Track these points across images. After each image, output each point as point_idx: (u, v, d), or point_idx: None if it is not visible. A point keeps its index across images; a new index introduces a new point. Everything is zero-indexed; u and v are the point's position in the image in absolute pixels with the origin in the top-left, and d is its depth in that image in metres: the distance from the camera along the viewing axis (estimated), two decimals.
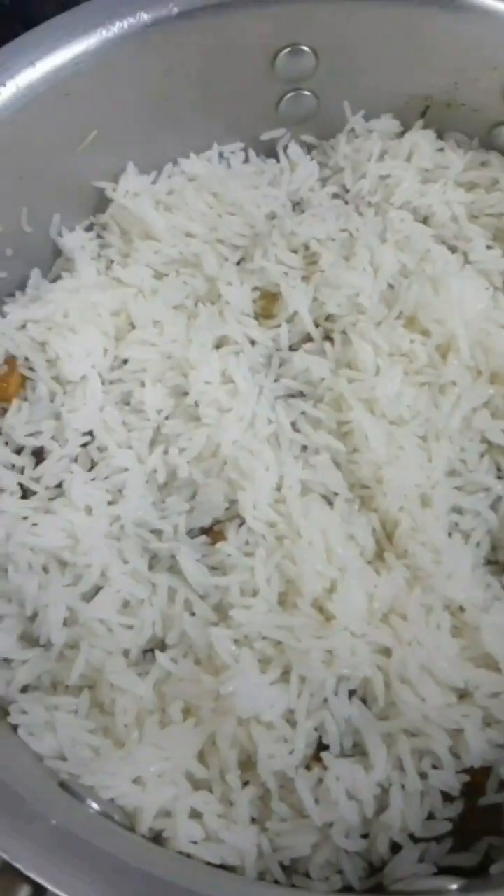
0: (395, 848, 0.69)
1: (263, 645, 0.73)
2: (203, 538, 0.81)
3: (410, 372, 0.85)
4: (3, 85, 0.83)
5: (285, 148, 1.01)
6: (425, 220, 0.96)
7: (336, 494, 0.81)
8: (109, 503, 0.81)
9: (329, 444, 0.83)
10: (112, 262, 0.95)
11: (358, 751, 0.72)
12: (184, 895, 0.58)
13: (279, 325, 0.90)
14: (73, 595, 0.76)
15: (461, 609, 0.76)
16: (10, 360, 0.87)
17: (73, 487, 0.80)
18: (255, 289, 0.92)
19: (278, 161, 1.01)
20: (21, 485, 0.83)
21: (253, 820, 0.70)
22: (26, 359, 0.87)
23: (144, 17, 0.85)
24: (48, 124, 0.87)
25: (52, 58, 0.84)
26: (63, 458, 0.83)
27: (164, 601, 0.77)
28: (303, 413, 0.85)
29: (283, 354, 0.89)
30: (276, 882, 0.68)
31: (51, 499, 0.81)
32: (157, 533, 0.81)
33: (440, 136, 0.99)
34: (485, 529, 0.81)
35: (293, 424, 0.85)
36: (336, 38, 0.91)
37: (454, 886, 0.65)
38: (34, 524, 0.78)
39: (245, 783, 0.70)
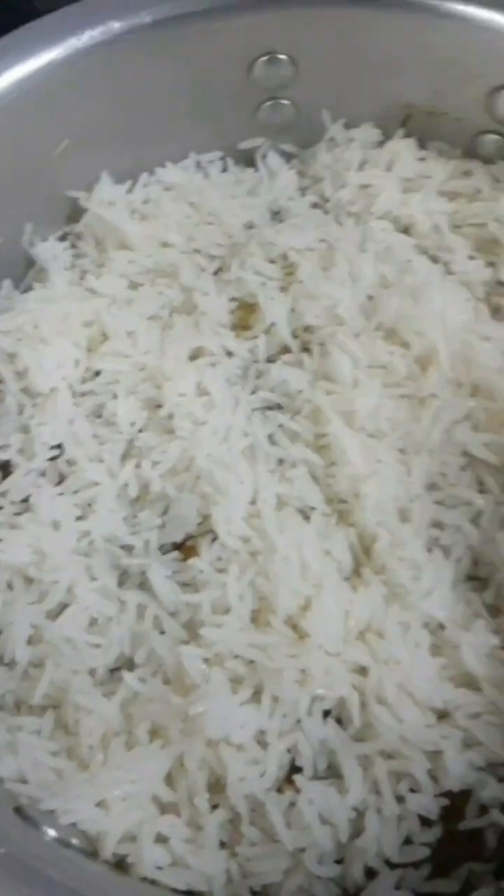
0: (371, 874, 0.69)
1: (235, 664, 0.73)
2: (175, 554, 0.81)
3: (390, 384, 0.86)
4: None
5: (264, 157, 1.03)
6: (406, 231, 0.97)
7: (313, 509, 0.82)
8: (78, 518, 0.81)
9: (306, 457, 0.83)
10: (86, 272, 0.96)
11: (332, 773, 0.72)
12: None
13: (256, 337, 0.91)
14: (39, 612, 0.76)
15: (441, 626, 0.76)
16: None
17: (39, 502, 0.81)
18: (233, 299, 0.93)
19: (257, 170, 1.03)
20: None
21: (222, 844, 0.70)
22: None
23: (115, 25, 0.87)
24: (18, 134, 0.88)
25: (20, 67, 0.85)
26: (30, 472, 0.83)
27: (132, 619, 0.77)
28: (280, 426, 0.86)
29: (261, 366, 0.90)
30: None
31: (17, 514, 0.81)
32: (128, 548, 0.81)
33: (423, 145, 1.00)
34: (465, 545, 0.81)
35: (270, 437, 0.86)
36: (314, 45, 0.93)
37: None
38: None
39: (214, 806, 0.70)
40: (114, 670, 0.76)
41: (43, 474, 0.84)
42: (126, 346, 0.89)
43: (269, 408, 0.88)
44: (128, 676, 0.74)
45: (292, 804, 0.69)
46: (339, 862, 0.69)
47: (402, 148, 0.98)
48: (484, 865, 0.69)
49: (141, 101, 0.94)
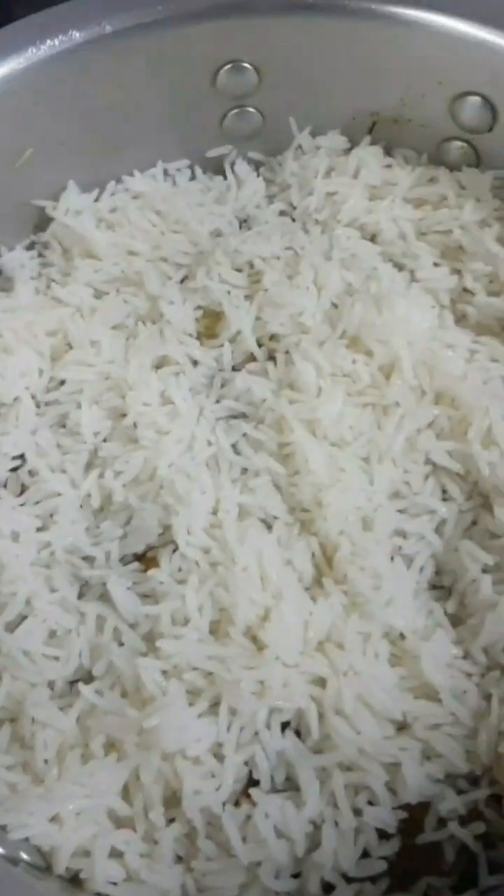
0: (328, 889, 0.67)
1: (193, 676, 0.72)
2: (136, 565, 0.80)
3: (353, 392, 0.84)
4: None
5: (233, 165, 1.01)
6: (373, 238, 0.95)
7: (276, 518, 0.80)
8: (39, 529, 0.80)
9: (269, 466, 0.82)
10: (53, 280, 0.94)
11: (290, 786, 0.70)
12: None
13: (222, 345, 0.89)
14: None
15: (401, 636, 0.75)
16: None
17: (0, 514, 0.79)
18: (198, 308, 0.92)
19: (225, 178, 1.01)
20: None
21: (179, 859, 0.68)
22: None
23: (76, 35, 0.85)
24: None
25: None
26: None
27: (92, 631, 0.76)
28: (244, 435, 0.84)
29: (226, 375, 0.89)
30: None
31: None
32: (89, 560, 0.80)
33: (389, 152, 0.99)
34: (429, 553, 0.80)
35: (234, 446, 0.84)
36: (277, 53, 0.92)
37: None
38: None
39: (171, 820, 0.69)
40: (73, 682, 0.75)
41: (4, 485, 0.83)
42: (90, 355, 0.88)
43: (234, 417, 0.87)
44: (85, 689, 0.72)
45: (249, 818, 0.68)
46: (295, 876, 0.68)
47: (369, 155, 0.97)
48: (442, 879, 0.68)
49: (106, 110, 0.93)
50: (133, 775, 0.69)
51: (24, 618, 0.76)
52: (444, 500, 0.82)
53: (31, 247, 0.97)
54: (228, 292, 0.91)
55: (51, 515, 0.81)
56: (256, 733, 0.70)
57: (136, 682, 0.72)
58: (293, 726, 0.72)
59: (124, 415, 0.85)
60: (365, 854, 0.68)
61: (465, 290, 0.91)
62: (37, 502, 0.82)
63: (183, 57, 0.90)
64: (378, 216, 0.95)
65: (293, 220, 0.98)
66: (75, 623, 0.76)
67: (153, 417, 0.84)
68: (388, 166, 0.98)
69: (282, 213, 0.99)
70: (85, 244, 0.94)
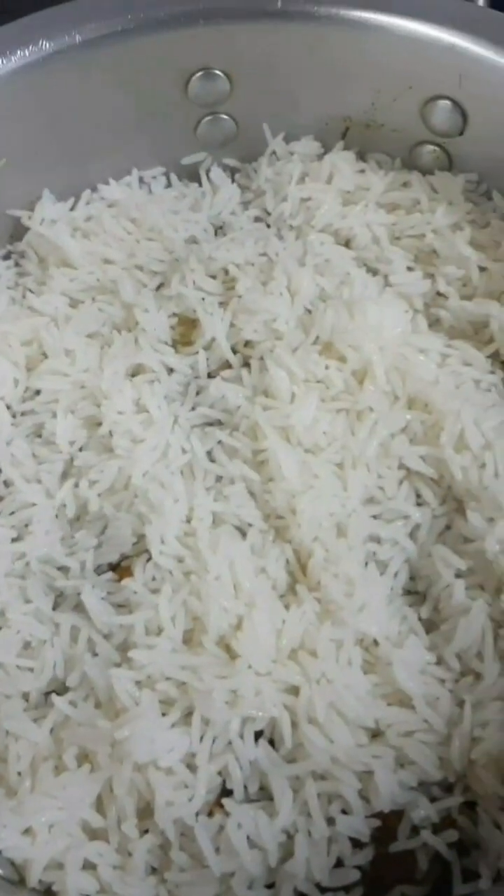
0: None
1: (167, 686, 0.70)
2: (110, 575, 0.78)
3: (326, 398, 0.83)
4: None
5: (208, 172, 0.99)
6: (347, 243, 0.94)
7: (250, 525, 0.79)
8: (14, 540, 0.79)
9: (244, 473, 0.81)
10: (29, 290, 0.93)
11: (263, 795, 0.69)
12: None
13: (197, 353, 0.88)
14: None
15: (374, 643, 0.73)
16: None
17: None
18: (173, 315, 0.90)
19: (201, 185, 0.99)
20: None
21: (152, 871, 0.67)
22: None
23: (47, 45, 0.84)
24: None
25: None
26: None
27: (66, 641, 0.74)
28: (219, 442, 0.83)
29: (201, 382, 0.87)
30: None
31: None
32: (64, 570, 0.78)
33: (362, 157, 0.97)
34: (403, 558, 0.78)
35: (209, 454, 0.83)
36: (248, 60, 0.90)
37: None
38: None
39: (144, 832, 0.67)
40: (47, 694, 0.73)
41: None
42: (65, 364, 0.86)
43: (209, 424, 0.85)
44: (58, 700, 0.71)
45: (222, 828, 0.66)
46: (269, 886, 0.67)
47: (341, 160, 0.95)
48: (416, 888, 0.67)
49: (79, 119, 0.91)
50: (106, 787, 0.68)
51: None
52: (418, 504, 0.80)
53: (7, 257, 0.96)
54: (203, 299, 0.89)
55: (26, 526, 0.79)
56: (229, 743, 0.69)
57: (109, 693, 0.71)
58: (266, 735, 0.70)
59: (100, 424, 0.83)
60: (338, 863, 0.67)
61: (439, 293, 0.90)
62: (11, 513, 0.80)
63: (154, 65, 0.89)
64: (351, 221, 0.93)
65: (268, 225, 0.97)
66: (50, 634, 0.75)
67: (128, 426, 0.82)
68: (362, 171, 0.96)
69: (257, 219, 0.98)
70: (60, 253, 0.92)
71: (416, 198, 0.93)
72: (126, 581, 0.76)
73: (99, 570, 0.79)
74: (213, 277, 0.91)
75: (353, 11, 0.86)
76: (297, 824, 0.67)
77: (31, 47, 0.84)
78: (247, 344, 0.88)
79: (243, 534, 0.79)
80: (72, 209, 0.96)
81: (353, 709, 0.69)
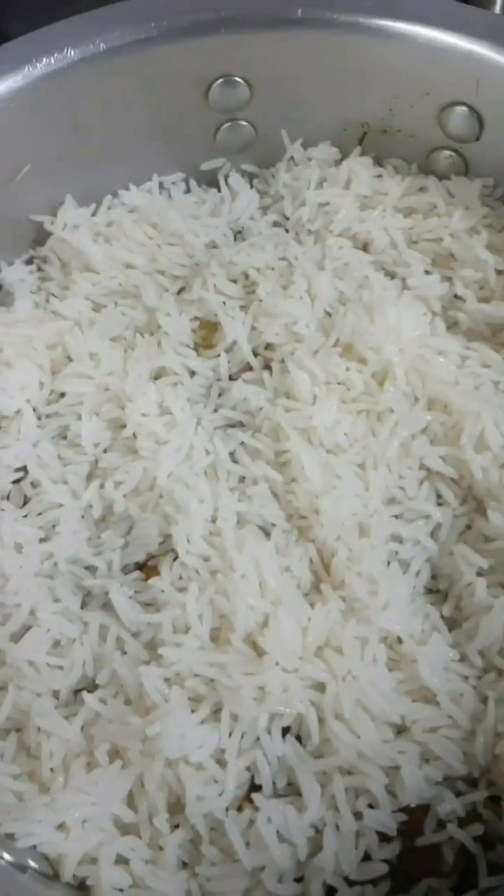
0: (330, 892, 0.66)
1: (195, 683, 0.71)
2: (137, 574, 0.79)
3: (347, 400, 0.83)
4: None
5: (226, 177, 1.00)
6: (365, 247, 0.94)
7: (273, 525, 0.79)
8: (42, 540, 0.79)
9: (267, 474, 0.81)
10: (52, 294, 0.93)
11: (292, 790, 0.69)
12: None
13: (219, 355, 0.88)
14: (1, 636, 0.74)
15: (398, 640, 0.74)
16: None
17: (3, 525, 0.78)
18: (195, 319, 0.90)
19: (220, 191, 1.00)
20: None
21: (183, 865, 0.67)
22: None
23: (72, 53, 0.84)
24: None
25: None
26: None
27: (95, 640, 0.75)
28: (242, 443, 0.83)
29: (223, 384, 0.88)
30: None
31: None
32: (92, 569, 0.79)
33: (379, 162, 0.98)
34: (424, 558, 0.79)
35: (232, 455, 0.83)
36: (268, 67, 0.90)
37: None
38: None
39: (175, 826, 0.68)
40: (77, 692, 0.74)
41: (7, 497, 0.82)
42: (89, 367, 0.86)
43: (231, 426, 0.86)
44: (88, 698, 0.71)
45: (251, 823, 0.67)
46: (298, 880, 0.67)
47: (359, 166, 0.95)
48: (442, 881, 0.67)
49: (101, 126, 0.92)
50: (137, 782, 0.68)
51: (28, 628, 0.75)
52: (439, 504, 0.80)
53: (30, 261, 0.96)
54: (224, 303, 0.89)
55: (53, 526, 0.80)
56: (258, 739, 0.70)
57: (138, 690, 0.71)
58: (293, 731, 0.71)
59: (124, 426, 0.83)
60: (366, 857, 0.67)
61: (456, 296, 0.90)
62: (39, 514, 0.80)
63: (176, 72, 0.89)
64: (369, 225, 0.93)
65: (286, 230, 0.97)
66: (78, 632, 0.75)
67: (152, 428, 0.82)
68: (379, 176, 0.96)
69: (275, 224, 0.98)
70: (83, 258, 0.93)
71: (432, 202, 0.93)
72: (153, 580, 0.77)
73: (126, 570, 0.79)
74: (234, 281, 0.91)
75: (372, 19, 0.86)
76: (325, 819, 0.67)
77: (56, 55, 0.84)
78: (268, 347, 0.88)
79: (267, 534, 0.79)
80: (93, 214, 0.97)
81: (379, 705, 0.70)
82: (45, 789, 0.68)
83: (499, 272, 0.89)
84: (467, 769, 0.69)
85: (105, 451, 0.84)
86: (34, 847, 0.65)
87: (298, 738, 0.71)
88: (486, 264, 0.89)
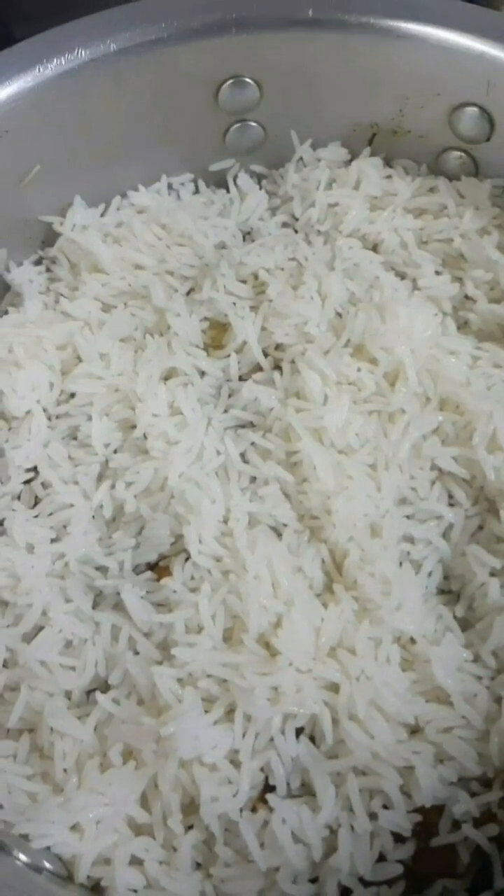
0: (345, 893, 0.66)
1: (208, 683, 0.71)
2: (149, 574, 0.78)
3: (359, 400, 0.83)
4: None
5: (235, 178, 1.00)
6: (375, 248, 0.94)
7: (285, 526, 0.79)
8: (53, 540, 0.79)
9: (278, 474, 0.81)
10: (61, 295, 0.93)
11: (306, 791, 0.69)
12: None
13: (229, 356, 0.88)
14: (14, 636, 0.74)
15: (412, 641, 0.74)
16: None
17: (14, 525, 0.78)
18: (205, 319, 0.90)
19: (228, 191, 1.00)
20: None
21: (198, 866, 0.67)
22: None
23: (82, 53, 0.84)
24: None
25: None
26: (5, 496, 0.81)
27: (107, 640, 0.75)
28: (252, 444, 0.83)
29: (233, 385, 0.87)
30: None
31: None
32: (103, 570, 0.79)
33: (388, 163, 0.98)
34: (436, 558, 0.79)
35: (242, 455, 0.83)
36: (278, 69, 0.90)
37: None
38: None
39: (189, 827, 0.68)
40: (89, 692, 0.74)
41: (18, 497, 0.82)
42: (99, 368, 0.86)
43: (242, 426, 0.86)
44: (101, 698, 0.71)
45: (266, 823, 0.67)
46: (313, 881, 0.67)
47: (368, 166, 0.96)
48: (457, 882, 0.67)
49: (111, 126, 0.92)
50: (151, 783, 0.68)
51: (39, 629, 0.75)
52: (451, 505, 0.80)
53: (38, 262, 0.96)
54: (234, 304, 0.89)
55: (64, 527, 0.80)
56: (271, 739, 0.69)
57: (151, 691, 0.71)
58: (307, 732, 0.71)
59: (134, 426, 0.83)
60: (381, 858, 0.67)
61: (467, 297, 0.90)
62: (50, 514, 0.80)
63: (186, 73, 0.89)
64: (379, 226, 0.93)
65: (296, 231, 0.97)
66: (90, 633, 0.75)
67: (162, 428, 0.82)
68: (389, 177, 0.96)
69: (284, 224, 0.98)
70: (92, 259, 0.93)
71: (443, 203, 0.93)
72: (165, 580, 0.76)
73: (137, 570, 0.79)
74: (244, 282, 0.91)
75: (384, 20, 0.86)
76: (340, 819, 0.67)
77: (67, 55, 0.84)
78: (277, 347, 0.88)
79: (279, 534, 0.79)
80: (102, 215, 0.97)
81: (393, 705, 0.70)
82: (58, 790, 0.68)
83: None
84: (482, 770, 0.69)
85: (115, 451, 0.84)
86: (48, 848, 0.65)
87: (312, 739, 0.70)
88: (497, 265, 0.89)
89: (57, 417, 0.86)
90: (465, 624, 0.76)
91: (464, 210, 0.92)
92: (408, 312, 0.85)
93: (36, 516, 0.80)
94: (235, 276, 0.91)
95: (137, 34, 0.86)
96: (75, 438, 0.85)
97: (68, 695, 0.73)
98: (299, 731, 0.70)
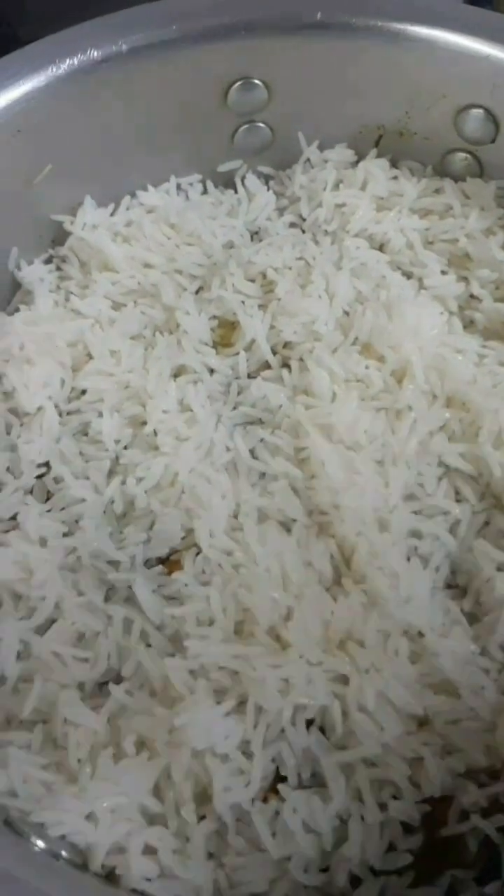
0: (355, 882, 0.67)
1: (220, 675, 0.71)
2: (160, 568, 0.79)
3: (366, 397, 0.84)
4: None
5: (243, 179, 1.00)
6: (381, 248, 0.95)
7: (294, 521, 0.80)
8: (65, 534, 0.79)
9: (287, 470, 0.81)
10: (71, 293, 0.93)
11: (316, 781, 0.69)
12: None
13: (237, 354, 0.89)
14: (27, 628, 0.74)
15: (420, 634, 0.74)
16: None
17: (27, 519, 0.78)
18: (213, 317, 0.91)
19: (236, 192, 1.00)
20: None
21: (210, 855, 0.67)
22: None
23: (94, 54, 0.85)
24: (2, 160, 0.86)
25: (3, 96, 0.84)
26: (18, 490, 0.81)
27: (119, 633, 0.75)
28: (261, 440, 0.84)
29: (242, 382, 0.88)
30: None
31: (5, 531, 0.79)
32: (114, 564, 0.79)
33: (394, 164, 0.98)
34: (444, 553, 0.79)
35: (252, 452, 0.83)
36: (287, 70, 0.91)
37: None
38: None
39: (202, 817, 0.68)
40: (102, 684, 0.74)
41: (30, 492, 0.82)
42: (110, 365, 0.87)
43: (251, 423, 0.86)
44: (115, 689, 0.71)
45: (277, 813, 0.67)
46: (323, 870, 0.67)
47: (375, 167, 0.96)
48: (466, 871, 0.67)
49: (121, 127, 0.92)
50: (164, 773, 0.68)
51: (52, 621, 0.75)
52: (458, 501, 0.81)
53: (49, 260, 0.96)
54: (242, 302, 0.90)
55: (76, 521, 0.80)
56: (282, 730, 0.70)
57: (164, 682, 0.72)
58: (317, 723, 0.71)
59: (144, 423, 0.84)
60: (391, 847, 0.67)
61: (472, 296, 0.91)
62: (62, 508, 0.81)
63: (195, 74, 0.90)
64: (386, 226, 0.94)
65: (303, 231, 0.98)
66: (103, 625, 0.75)
67: (172, 424, 0.83)
68: (395, 178, 0.97)
69: (292, 224, 0.99)
70: (102, 257, 0.93)
71: (448, 203, 0.94)
72: (176, 574, 0.77)
73: (148, 564, 0.79)
74: (252, 281, 0.92)
75: (391, 23, 0.87)
76: (350, 809, 0.67)
77: (79, 55, 0.85)
78: (285, 345, 0.89)
79: (287, 529, 0.79)
80: (112, 214, 0.97)
81: (402, 697, 0.70)
82: (72, 780, 0.68)
83: None
84: (489, 761, 0.69)
85: (126, 447, 0.84)
86: (63, 837, 0.65)
87: (322, 730, 0.71)
88: (502, 264, 0.89)
89: (68, 413, 0.87)
90: (472, 618, 0.77)
91: (469, 210, 0.93)
92: (415, 311, 0.86)
93: (48, 510, 0.80)
94: (244, 274, 0.91)
95: (148, 36, 0.87)
96: (86, 434, 0.86)
97: (81, 686, 0.74)
98: (309, 723, 0.71)
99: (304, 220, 0.98)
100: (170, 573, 0.78)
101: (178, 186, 1.00)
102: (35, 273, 0.94)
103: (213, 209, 0.98)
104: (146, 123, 0.93)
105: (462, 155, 0.95)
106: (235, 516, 0.79)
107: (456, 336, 0.87)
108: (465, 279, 0.92)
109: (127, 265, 0.93)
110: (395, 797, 0.68)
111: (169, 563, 0.79)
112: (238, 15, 0.88)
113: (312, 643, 0.71)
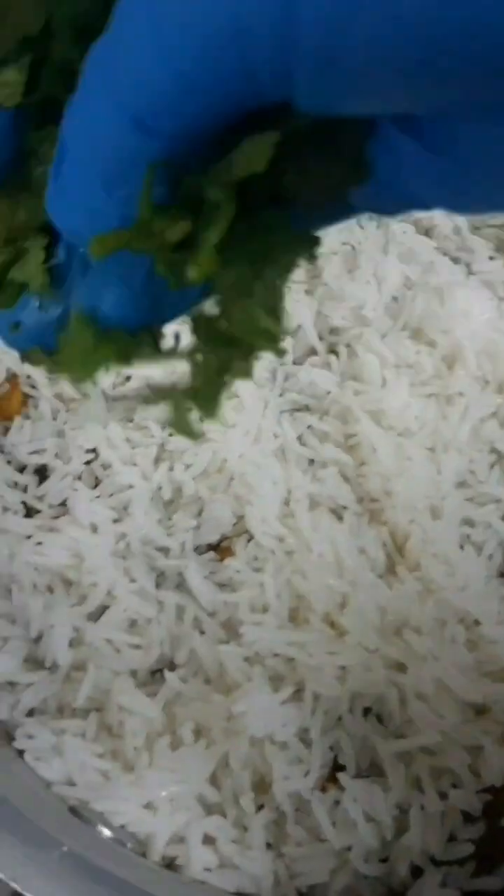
0: (416, 872, 0.65)
1: (275, 662, 0.70)
2: (211, 554, 0.77)
3: (417, 383, 0.82)
4: None
5: None
6: (427, 233, 0.93)
7: (345, 508, 0.78)
8: (115, 521, 0.78)
9: (336, 457, 0.80)
10: None
11: (374, 771, 0.68)
12: None
13: (284, 339, 0.87)
14: (79, 615, 0.73)
15: (476, 622, 0.73)
16: (13, 378, 0.85)
17: (77, 505, 0.77)
18: None
19: None
20: (24, 503, 0.79)
21: (269, 845, 0.66)
22: (28, 377, 0.84)
23: None
24: None
25: None
26: (67, 476, 0.80)
27: (172, 620, 0.74)
28: (309, 427, 0.82)
29: (289, 368, 0.86)
30: None
31: (55, 517, 0.77)
32: (164, 550, 0.77)
33: None
34: (497, 541, 0.77)
35: (299, 438, 0.82)
36: None
37: None
38: (38, 543, 0.75)
39: (260, 806, 0.66)
40: (155, 671, 0.73)
41: (79, 478, 0.81)
42: None
43: (298, 409, 0.84)
44: (170, 677, 0.70)
45: (336, 803, 0.66)
46: (383, 861, 0.65)
47: None
48: None
49: None
50: (222, 761, 0.67)
51: (105, 608, 0.73)
52: None
53: None
54: (289, 287, 0.88)
55: (125, 507, 0.78)
56: (339, 718, 0.68)
57: (218, 670, 0.70)
58: (375, 711, 0.70)
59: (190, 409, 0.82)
60: (451, 837, 0.66)
61: None
62: (111, 494, 0.79)
63: None
64: (432, 211, 0.92)
65: None
66: (155, 612, 0.74)
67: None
68: None
69: None
70: None
71: None
72: (228, 561, 0.75)
73: (198, 551, 0.78)
74: (298, 266, 0.90)
75: None
76: (410, 799, 0.66)
77: None
78: (332, 331, 0.87)
79: (339, 516, 0.78)
80: None
81: (460, 685, 0.69)
82: (129, 768, 0.67)
83: None
84: None
85: (171, 434, 0.83)
86: (123, 826, 0.64)
87: (378, 718, 0.70)
88: None
89: (114, 400, 0.85)
90: None
91: None
92: (465, 296, 0.84)
93: (98, 497, 0.79)
94: None
95: None
96: (131, 421, 0.84)
97: (134, 674, 0.72)
98: (367, 711, 0.69)
99: None
100: (221, 560, 0.76)
101: None
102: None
103: None
104: None
105: None
106: (286, 503, 0.77)
107: None
108: None
109: None
110: (454, 786, 0.67)
111: (220, 549, 0.78)
112: None
113: (369, 630, 0.70)
